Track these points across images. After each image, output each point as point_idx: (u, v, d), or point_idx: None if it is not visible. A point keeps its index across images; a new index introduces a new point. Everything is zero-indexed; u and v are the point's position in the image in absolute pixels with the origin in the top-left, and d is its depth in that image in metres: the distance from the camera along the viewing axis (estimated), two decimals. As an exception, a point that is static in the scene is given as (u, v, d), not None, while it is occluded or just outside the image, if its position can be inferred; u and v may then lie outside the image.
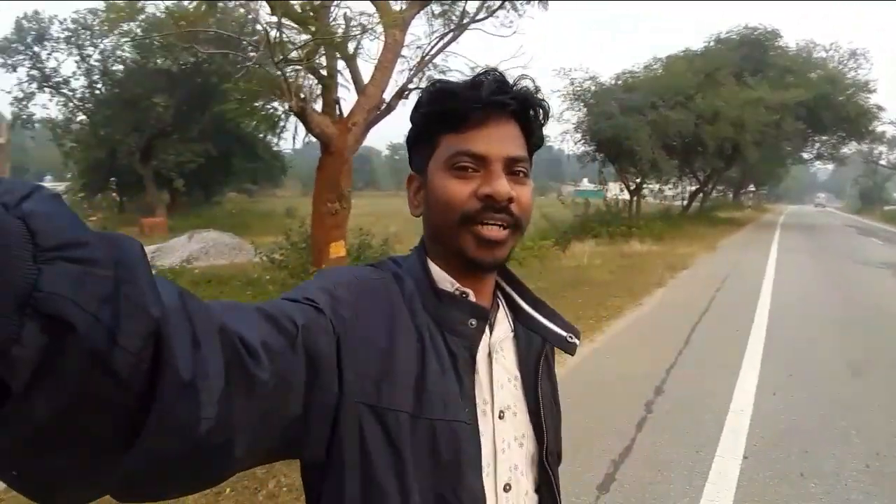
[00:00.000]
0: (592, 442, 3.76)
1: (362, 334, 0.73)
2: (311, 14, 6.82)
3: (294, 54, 6.70)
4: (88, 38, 23.51)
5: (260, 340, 0.57)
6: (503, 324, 0.89)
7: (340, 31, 7.33)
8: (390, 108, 7.58)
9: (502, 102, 0.80)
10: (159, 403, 0.44)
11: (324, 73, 7.39)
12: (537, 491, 0.90)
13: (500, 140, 0.81)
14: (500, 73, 0.82)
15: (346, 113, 7.20)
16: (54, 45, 23.50)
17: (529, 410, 0.89)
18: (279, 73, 6.32)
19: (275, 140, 25.15)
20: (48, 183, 39.54)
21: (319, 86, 7.48)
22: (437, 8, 8.23)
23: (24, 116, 24.32)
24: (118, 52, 23.54)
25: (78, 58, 23.81)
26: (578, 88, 19.67)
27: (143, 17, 20.77)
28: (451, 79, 0.85)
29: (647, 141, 17.59)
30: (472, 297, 0.83)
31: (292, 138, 8.85)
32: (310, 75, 7.21)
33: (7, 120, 25.22)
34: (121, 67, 23.79)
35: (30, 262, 0.37)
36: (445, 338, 0.80)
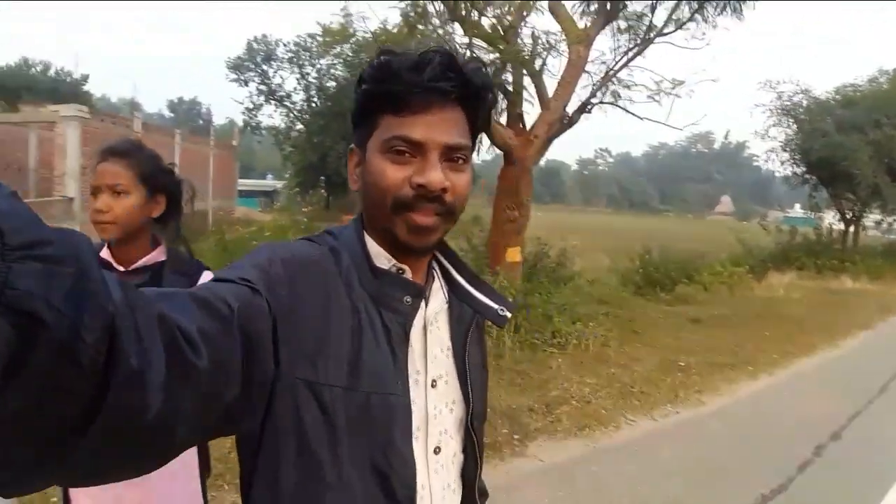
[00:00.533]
0: (745, 472, 3.65)
1: (298, 312, 0.75)
2: (501, 34, 7.32)
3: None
4: (307, 58, 26.81)
5: (196, 328, 0.58)
6: (438, 296, 0.92)
7: (527, 48, 7.74)
8: (572, 121, 7.81)
9: (443, 90, 0.79)
10: (113, 392, 0.45)
11: (509, 88, 7.84)
12: (463, 451, 0.95)
13: (440, 126, 0.80)
14: (448, 54, 0.80)
15: (528, 125, 7.59)
16: (279, 64, 27.18)
17: (459, 378, 0.93)
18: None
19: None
20: (269, 180, 45.23)
21: (504, 100, 7.96)
22: (622, 23, 8.26)
23: (253, 124, 28.31)
24: (332, 71, 26.65)
25: (298, 75, 27.32)
26: (787, 103, 17.95)
27: (353, 39, 23.39)
28: (402, 52, 0.82)
29: (868, 163, 15.46)
30: (409, 274, 0.86)
31: (476, 150, 9.37)
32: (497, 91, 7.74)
33: (239, 126, 30.08)
34: (333, 84, 26.86)
35: None
36: (381, 313, 0.82)
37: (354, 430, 0.78)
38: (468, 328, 0.96)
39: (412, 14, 7.63)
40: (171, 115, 65.49)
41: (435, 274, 0.94)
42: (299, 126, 28.38)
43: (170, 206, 1.60)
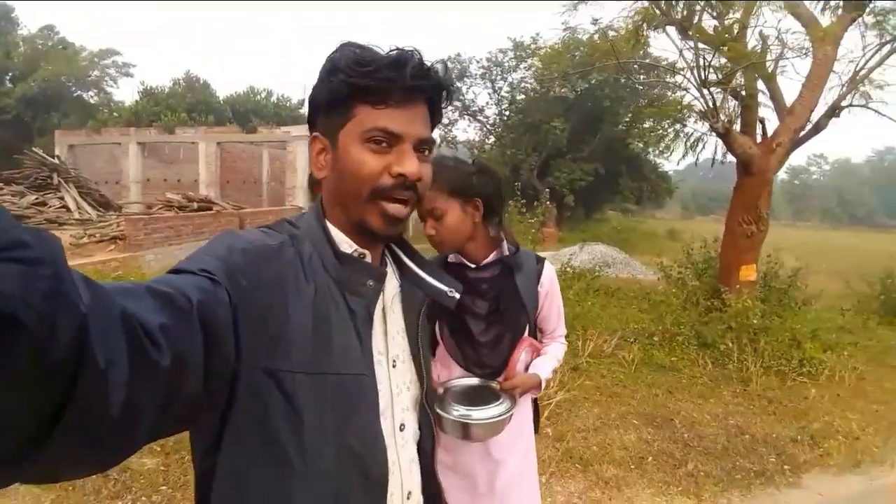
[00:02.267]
0: None
1: (258, 300, 0.76)
2: (727, 35, 6.94)
3: (712, 76, 6.92)
4: (499, 73, 27.64)
5: (158, 323, 0.59)
6: (392, 280, 0.98)
7: (758, 50, 7.23)
8: (819, 127, 7.14)
9: (423, 88, 0.87)
10: (81, 390, 0.47)
11: (743, 93, 7.39)
12: (420, 428, 1.02)
13: (414, 120, 0.87)
14: (420, 53, 0.86)
15: (765, 132, 7.10)
16: (472, 80, 28.28)
17: (413, 358, 1.00)
18: (701, 95, 6.64)
19: (661, 161, 25.58)
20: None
21: (739, 106, 7.52)
22: (869, 19, 7.35)
23: (449, 139, 29.89)
24: (522, 84, 27.22)
25: (490, 90, 28.33)
26: None
27: (542, 52, 23.65)
28: (369, 48, 0.86)
29: None
30: (369, 259, 0.92)
31: (695, 159, 8.91)
32: (729, 96, 7.34)
33: (436, 141, 31.89)
34: (524, 97, 27.35)
35: None
36: (345, 297, 0.86)
37: (323, 414, 0.79)
38: (419, 311, 1.02)
39: (639, 18, 7.57)
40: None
41: (387, 259, 1.00)
42: (492, 139, 29.36)
43: (489, 203, 1.68)
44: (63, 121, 25.23)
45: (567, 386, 4.90)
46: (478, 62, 27.70)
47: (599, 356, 5.89)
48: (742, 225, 6.66)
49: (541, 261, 1.81)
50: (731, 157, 7.22)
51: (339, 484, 0.82)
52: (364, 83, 0.83)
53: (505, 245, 1.75)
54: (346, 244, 0.90)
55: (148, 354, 0.55)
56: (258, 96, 33.20)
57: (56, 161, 15.13)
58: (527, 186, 25.51)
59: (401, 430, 0.95)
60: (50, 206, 13.40)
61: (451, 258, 1.75)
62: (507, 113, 28.32)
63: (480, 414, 1.55)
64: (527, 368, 1.76)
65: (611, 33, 9.46)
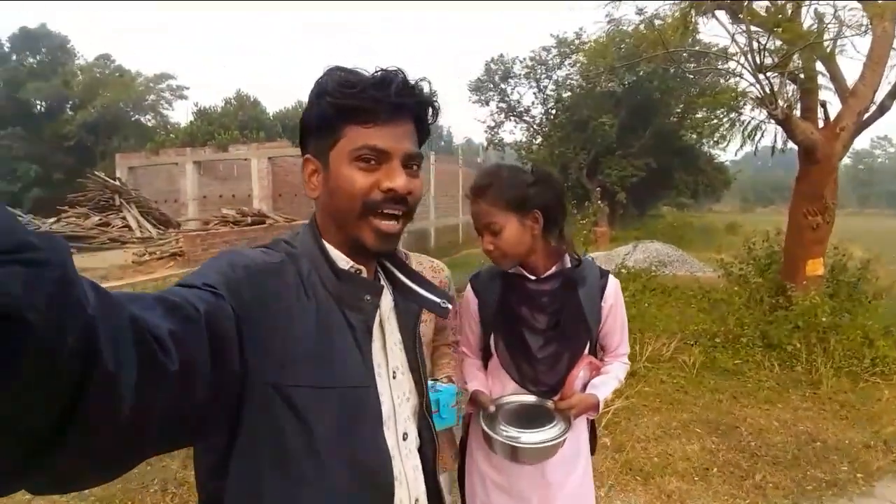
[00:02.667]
0: None
1: (261, 316, 0.78)
2: (781, 16, 6.60)
3: (768, 60, 6.60)
4: (543, 71, 27.29)
5: (167, 330, 0.59)
6: (386, 294, 1.00)
7: (815, 29, 6.84)
8: (883, 108, 6.70)
9: (408, 105, 0.90)
10: (90, 394, 0.47)
11: (801, 76, 7.02)
12: (420, 435, 1.05)
13: (401, 137, 0.90)
14: (403, 72, 0.90)
15: (827, 117, 6.72)
16: (517, 80, 28.02)
17: (411, 369, 1.03)
18: (757, 81, 6.34)
19: (717, 152, 24.71)
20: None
21: (798, 91, 7.15)
22: None
23: (496, 141, 29.69)
24: (568, 81, 26.77)
25: (535, 89, 27.97)
26: None
27: (586, 47, 23.22)
28: (353, 70, 0.89)
29: None
30: (365, 274, 0.96)
31: (753, 149, 8.53)
32: (787, 80, 6.99)
33: (482, 144, 31.84)
34: (570, 94, 26.90)
35: None
36: (344, 313, 0.89)
37: (331, 427, 0.81)
38: (415, 323, 1.07)
39: (686, 5, 7.30)
40: (417, 139, 72.23)
41: (380, 274, 1.02)
42: (539, 139, 29.02)
43: (549, 214, 1.61)
44: (123, 144, 26.41)
45: (625, 393, 4.75)
46: (521, 62, 27.42)
47: (658, 360, 5.68)
48: (807, 216, 6.31)
49: (605, 274, 1.72)
50: (791, 145, 6.86)
51: (349, 495, 0.84)
52: (350, 104, 0.87)
53: (567, 257, 1.68)
54: (342, 261, 0.93)
55: (157, 359, 0.56)
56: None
57: (117, 183, 15.79)
58: (577, 186, 25.44)
59: (404, 439, 0.98)
60: (113, 226, 13.98)
61: (511, 269, 1.68)
62: (554, 111, 27.88)
63: (531, 437, 1.49)
64: (585, 387, 1.68)
65: (657, 22, 9.19)
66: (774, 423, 4.25)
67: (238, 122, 26.74)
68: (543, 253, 1.65)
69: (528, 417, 1.56)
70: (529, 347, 1.64)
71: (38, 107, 28.11)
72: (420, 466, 1.03)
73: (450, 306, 1.05)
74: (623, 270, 7.82)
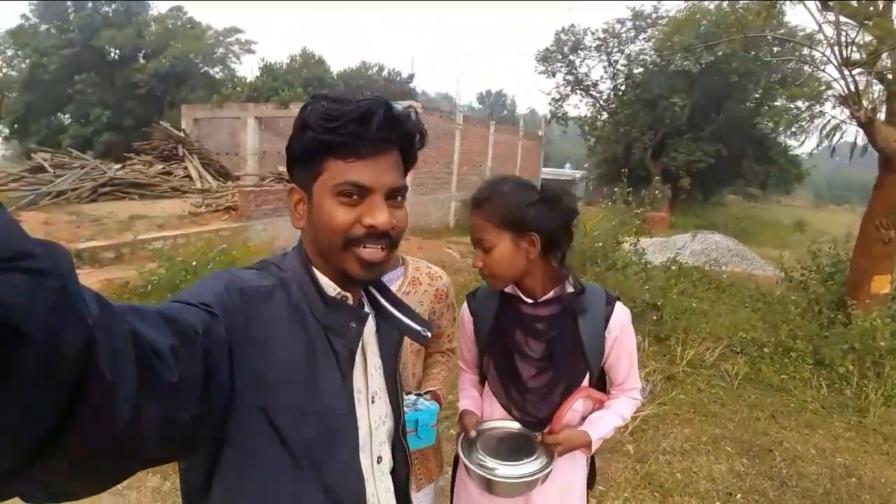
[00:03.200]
0: None
1: (253, 340, 0.79)
2: (872, 9, 6.05)
3: (855, 55, 6.11)
4: (616, 45, 26.34)
5: (168, 345, 0.61)
6: (370, 320, 1.00)
7: None
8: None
9: (390, 139, 0.90)
10: (90, 405, 0.47)
11: (889, 76, 6.48)
12: (393, 457, 1.06)
13: (384, 171, 0.90)
14: (387, 103, 0.89)
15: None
16: (587, 53, 27.18)
17: (389, 392, 1.05)
18: (841, 77, 5.90)
19: (792, 143, 23.45)
20: (568, 170, 46.22)
21: (884, 92, 6.61)
22: None
23: (559, 114, 29.02)
24: (641, 57, 25.79)
25: (606, 63, 27.12)
26: None
27: (663, 21, 22.18)
28: (339, 97, 0.88)
29: None
30: (351, 301, 0.96)
31: (831, 149, 7.99)
32: (874, 80, 6.46)
33: (545, 116, 31.14)
34: (642, 70, 25.90)
35: None
36: (329, 339, 0.90)
37: (309, 451, 0.83)
38: (396, 348, 1.09)
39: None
40: (479, 106, 71.15)
41: (363, 300, 1.03)
42: (605, 116, 28.22)
43: (550, 238, 1.49)
44: (190, 95, 27.08)
45: (658, 399, 4.61)
46: (593, 34, 26.56)
47: (699, 366, 5.50)
48: (879, 229, 5.89)
49: (611, 301, 1.57)
50: (872, 149, 6.39)
51: None
52: (331, 139, 0.86)
53: (569, 281, 1.56)
54: (330, 288, 0.94)
55: (156, 372, 0.57)
56: (370, 71, 33.92)
57: (181, 134, 16.27)
58: (639, 167, 24.64)
59: (378, 462, 1.01)
60: (175, 176, 14.45)
61: (509, 290, 1.58)
62: (623, 88, 27.01)
63: (507, 470, 1.42)
64: (584, 420, 1.58)
65: (741, 2, 8.65)
66: (811, 451, 4.03)
67: (302, 79, 26.98)
68: (542, 275, 1.54)
69: (511, 448, 1.49)
70: (520, 375, 1.56)
71: (112, 54, 28.99)
72: (392, 489, 1.05)
73: (429, 334, 1.05)
74: (674, 266, 7.53)
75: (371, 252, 0.90)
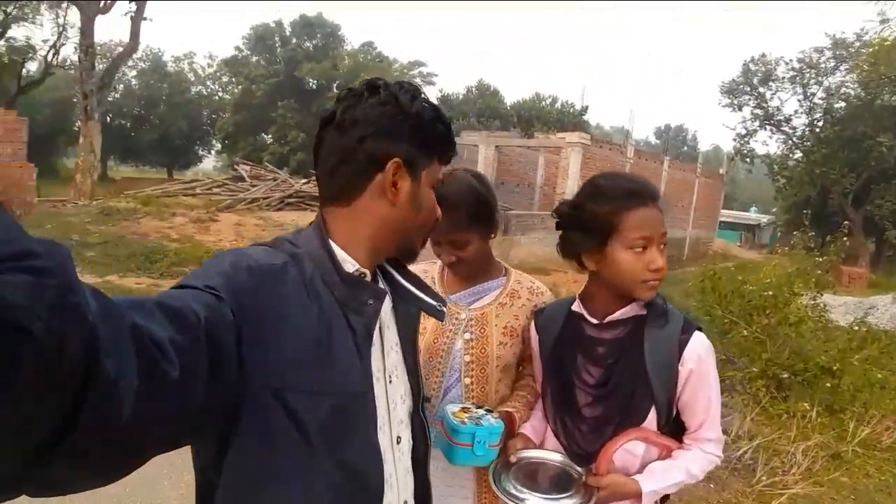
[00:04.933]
0: None
1: (262, 319, 0.78)
2: None
3: None
4: (813, 76, 24.32)
5: (168, 338, 0.60)
6: (386, 298, 0.99)
7: None
8: None
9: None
10: (91, 401, 0.47)
11: None
12: (413, 437, 1.07)
13: None
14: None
15: None
16: (779, 84, 25.34)
17: (408, 371, 1.06)
18: None
19: None
20: (753, 213, 42.68)
21: None
22: None
23: (745, 151, 27.16)
24: (842, 90, 23.61)
25: (801, 96, 25.09)
26: None
27: (868, 50, 19.93)
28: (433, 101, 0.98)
29: None
30: (369, 277, 0.97)
31: None
32: None
33: (728, 153, 29.29)
34: (843, 104, 23.62)
35: None
36: (347, 316, 0.88)
37: (326, 431, 0.83)
38: (414, 326, 1.10)
39: None
40: (657, 141, 68.77)
41: (379, 277, 1.04)
42: (798, 154, 26.06)
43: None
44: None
45: (815, 476, 4.02)
46: (787, 63, 24.87)
47: (873, 447, 4.66)
48: None
49: (690, 329, 1.38)
50: None
51: (338, 496, 0.85)
52: (443, 146, 1.01)
53: (642, 305, 1.41)
54: (349, 263, 0.93)
55: (158, 366, 0.58)
56: (543, 102, 34.66)
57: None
58: (836, 213, 22.23)
59: (397, 442, 1.01)
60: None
61: (575, 307, 1.50)
62: (821, 124, 24.80)
63: (536, 502, 1.32)
64: (642, 469, 1.38)
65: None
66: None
67: (476, 109, 28.35)
68: (606, 292, 1.42)
69: (550, 481, 1.39)
70: (576, 402, 1.43)
71: (310, 84, 32.80)
72: (411, 468, 1.05)
73: (444, 309, 1.06)
74: (861, 328, 6.62)
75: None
